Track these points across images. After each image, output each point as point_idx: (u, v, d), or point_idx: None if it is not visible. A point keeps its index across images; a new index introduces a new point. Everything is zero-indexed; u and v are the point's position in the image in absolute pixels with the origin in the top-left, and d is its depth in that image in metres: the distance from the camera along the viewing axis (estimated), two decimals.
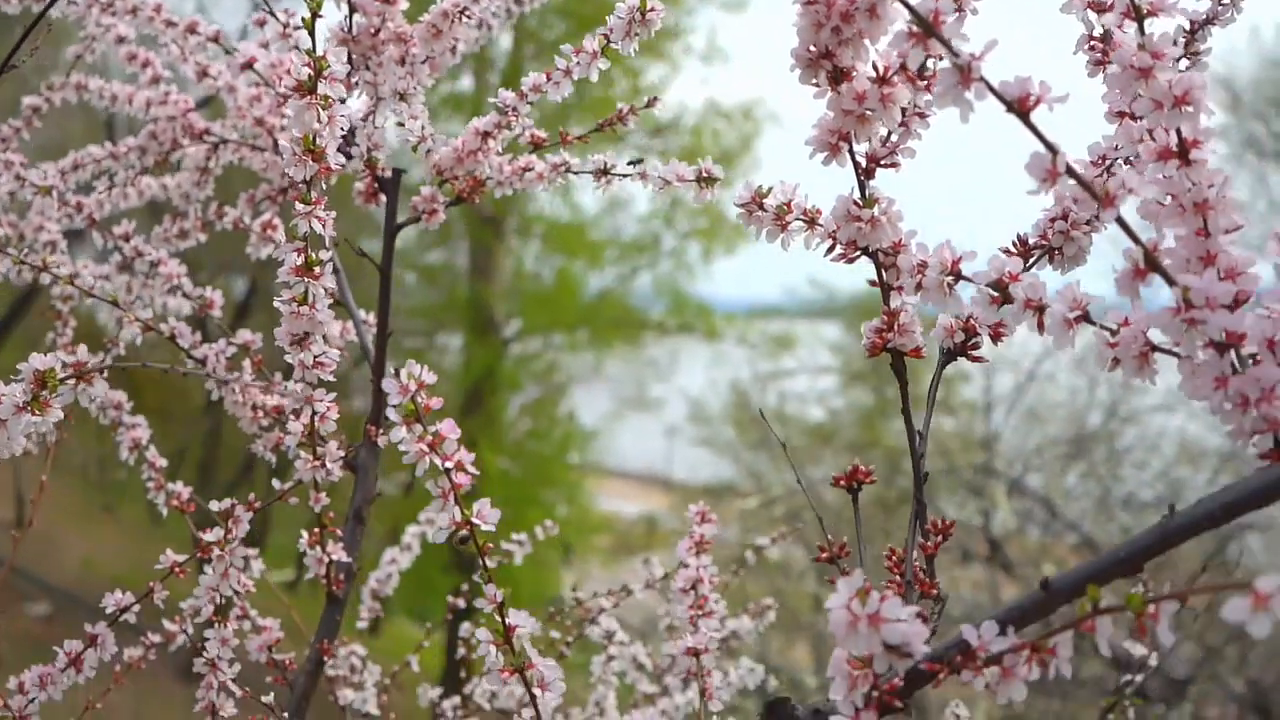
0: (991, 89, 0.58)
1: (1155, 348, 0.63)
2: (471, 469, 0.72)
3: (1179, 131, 0.62)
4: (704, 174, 0.96)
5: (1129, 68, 0.61)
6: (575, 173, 1.09)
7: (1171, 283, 0.59)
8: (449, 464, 0.71)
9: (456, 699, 1.48)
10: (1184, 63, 0.81)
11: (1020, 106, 0.58)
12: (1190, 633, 6.04)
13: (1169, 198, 0.63)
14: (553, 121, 1.15)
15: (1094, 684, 6.13)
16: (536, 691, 0.74)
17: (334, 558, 1.08)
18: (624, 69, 11.55)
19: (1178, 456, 6.76)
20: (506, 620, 0.74)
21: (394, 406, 0.70)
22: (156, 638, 1.22)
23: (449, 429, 0.72)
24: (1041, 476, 6.98)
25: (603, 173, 1.06)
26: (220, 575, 1.01)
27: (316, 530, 1.07)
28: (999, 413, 7.49)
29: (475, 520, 0.72)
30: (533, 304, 11.72)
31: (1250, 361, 0.60)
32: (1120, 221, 0.59)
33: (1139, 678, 1.21)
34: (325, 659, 1.11)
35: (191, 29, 1.16)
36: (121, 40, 1.28)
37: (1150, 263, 0.59)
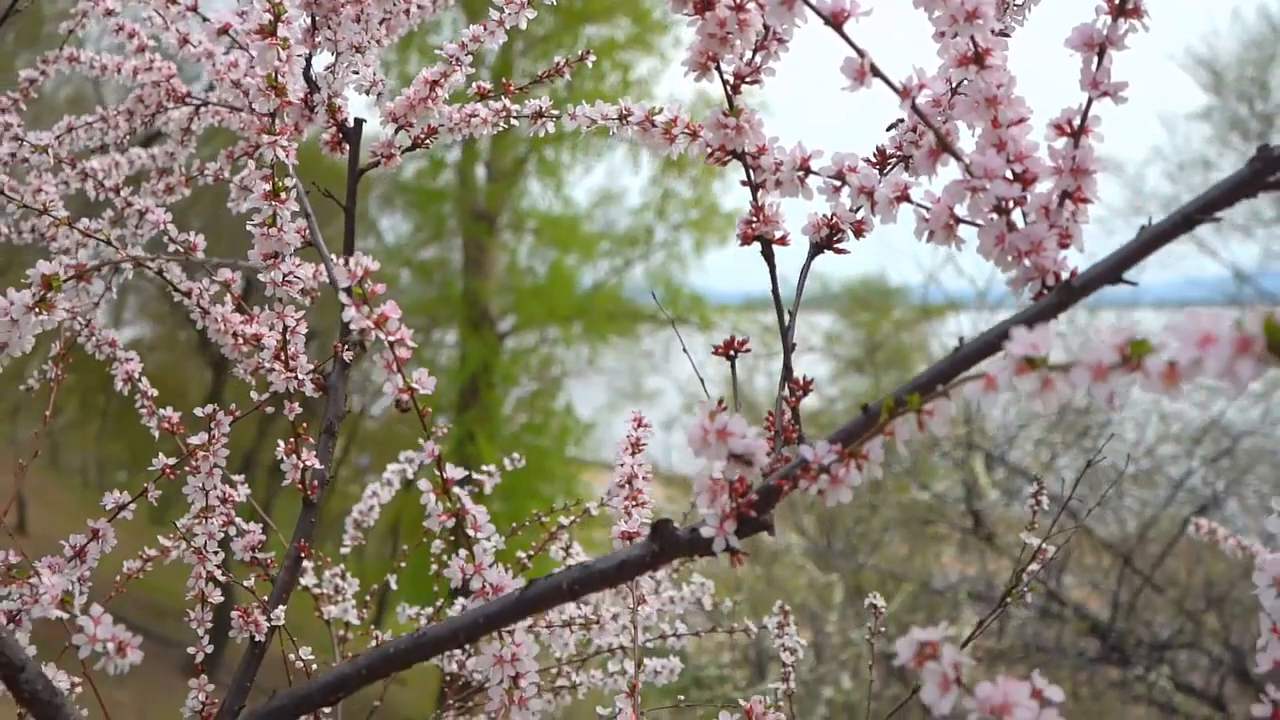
0: (810, 5, 0.72)
1: (959, 219, 0.76)
2: (411, 343, 0.86)
3: (974, 40, 0.75)
4: (624, 113, 1.09)
5: None
6: (515, 117, 1.23)
7: (958, 159, 0.72)
8: (393, 338, 0.85)
9: (430, 609, 1.61)
10: None
11: (835, 20, 0.72)
12: (1170, 599, 6.19)
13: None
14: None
15: (1076, 655, 6.28)
16: (471, 532, 0.88)
17: (308, 464, 1.21)
18: (614, 63, 11.72)
19: (1159, 434, 6.93)
20: (444, 474, 0.88)
21: (343, 289, 0.84)
22: (157, 548, 1.36)
23: (392, 309, 0.85)
24: (1033, 451, 7.12)
25: (538, 115, 1.20)
26: (206, 474, 1.15)
27: (292, 439, 1.21)
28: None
29: (415, 385, 0.86)
30: (527, 298, 11.84)
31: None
32: (916, 110, 0.72)
33: (1035, 566, 1.34)
34: (302, 555, 1.24)
35: None
36: (110, 13, 1.42)
37: (942, 144, 0.73)
